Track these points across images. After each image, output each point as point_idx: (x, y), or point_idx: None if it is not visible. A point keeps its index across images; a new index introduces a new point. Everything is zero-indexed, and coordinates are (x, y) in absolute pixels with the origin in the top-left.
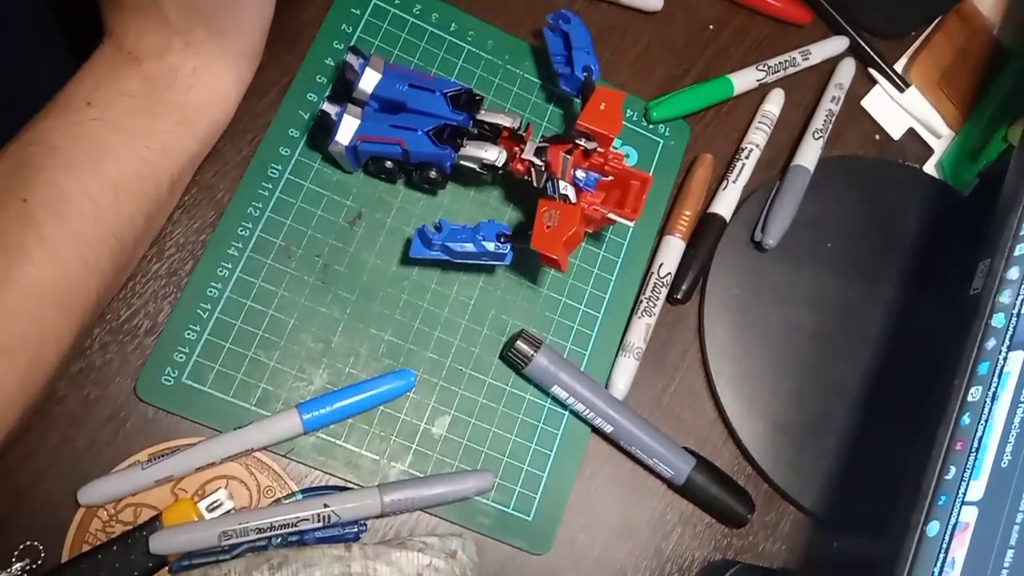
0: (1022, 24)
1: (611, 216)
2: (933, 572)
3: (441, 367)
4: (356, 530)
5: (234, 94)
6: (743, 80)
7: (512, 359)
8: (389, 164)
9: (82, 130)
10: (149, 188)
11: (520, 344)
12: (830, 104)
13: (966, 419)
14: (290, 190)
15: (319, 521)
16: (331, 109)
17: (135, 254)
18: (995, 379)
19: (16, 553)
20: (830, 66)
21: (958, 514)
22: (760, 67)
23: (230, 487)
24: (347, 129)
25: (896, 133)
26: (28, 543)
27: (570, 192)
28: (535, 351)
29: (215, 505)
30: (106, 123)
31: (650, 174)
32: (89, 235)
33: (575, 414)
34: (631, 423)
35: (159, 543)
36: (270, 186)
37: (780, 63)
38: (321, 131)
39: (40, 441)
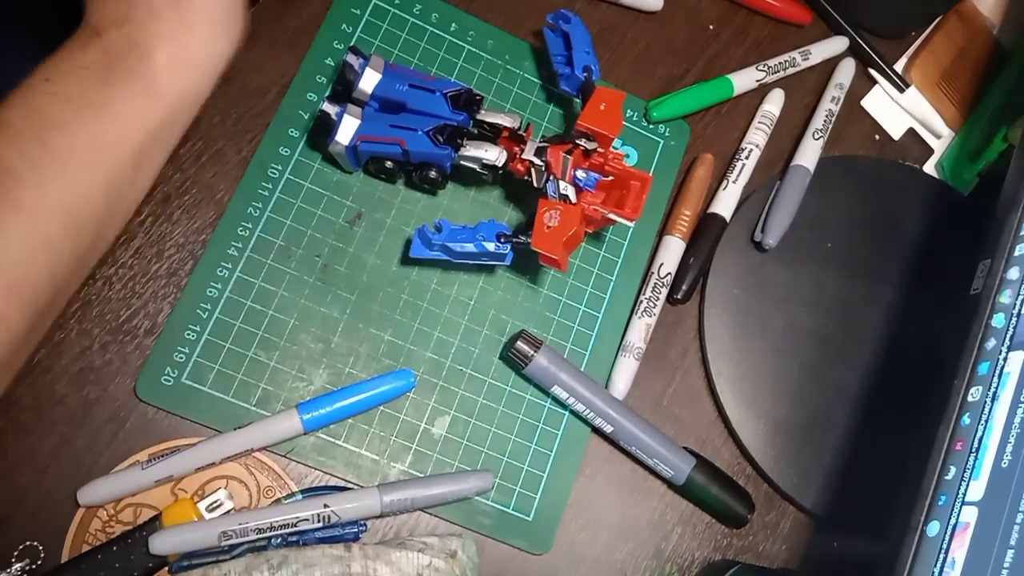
0: (1022, 24)
1: (611, 216)
2: (933, 572)
3: (441, 367)
4: (356, 530)
5: (205, 63)
6: (743, 80)
7: (512, 359)
8: (389, 164)
9: (32, 103)
10: (104, 159)
11: (520, 344)
12: (830, 104)
13: (966, 419)
14: (290, 190)
15: (319, 521)
16: (331, 109)
17: (99, 233)
18: (995, 379)
19: (16, 553)
20: (830, 66)
21: (958, 514)
22: (760, 67)
23: (230, 487)
24: (347, 129)
25: (896, 133)
26: (28, 543)
27: (570, 192)
28: (535, 351)
29: (215, 505)
30: (57, 95)
31: (650, 174)
32: (32, 206)
33: (575, 414)
34: (631, 423)
35: (159, 543)
36: (270, 186)
37: (780, 63)
38: (321, 131)
39: (40, 441)
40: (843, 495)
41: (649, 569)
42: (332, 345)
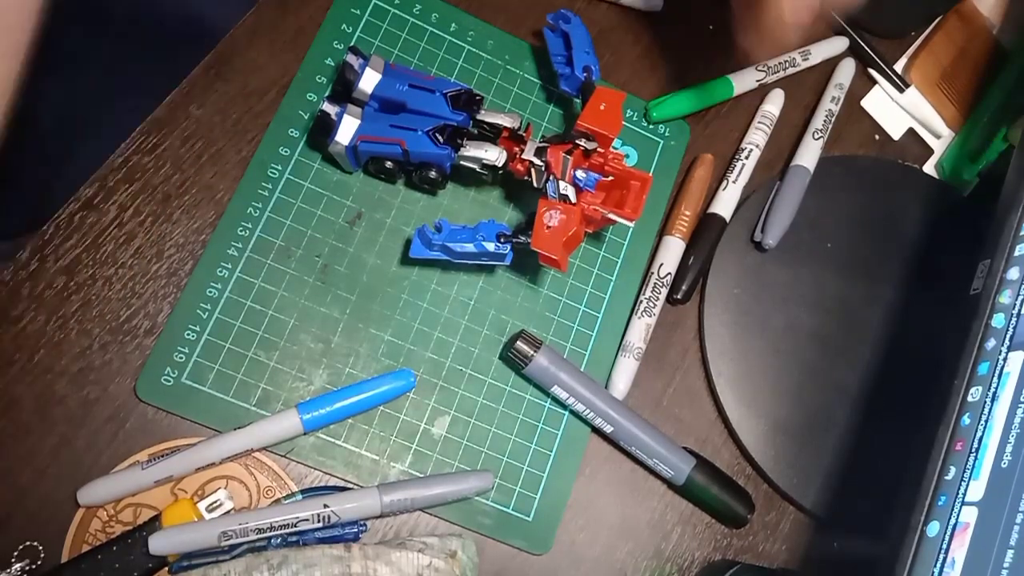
0: (1022, 24)
1: (611, 216)
2: (933, 572)
3: (441, 367)
4: (356, 530)
5: None
6: (743, 80)
7: (512, 359)
8: (389, 164)
9: None
10: None
11: (520, 344)
12: (830, 104)
13: (966, 419)
14: (290, 190)
15: (319, 521)
16: (331, 109)
17: None
18: (995, 379)
19: (16, 553)
20: (830, 66)
21: (958, 514)
22: (760, 67)
23: (230, 487)
24: (347, 129)
25: (896, 133)
26: (28, 543)
27: (570, 192)
28: (535, 351)
29: (215, 505)
30: None
31: (650, 174)
32: None
33: (575, 414)
34: (631, 423)
35: (158, 543)
36: (270, 186)
37: (780, 63)
38: (321, 131)
39: (40, 441)
40: (843, 495)
41: (649, 569)
42: (332, 345)
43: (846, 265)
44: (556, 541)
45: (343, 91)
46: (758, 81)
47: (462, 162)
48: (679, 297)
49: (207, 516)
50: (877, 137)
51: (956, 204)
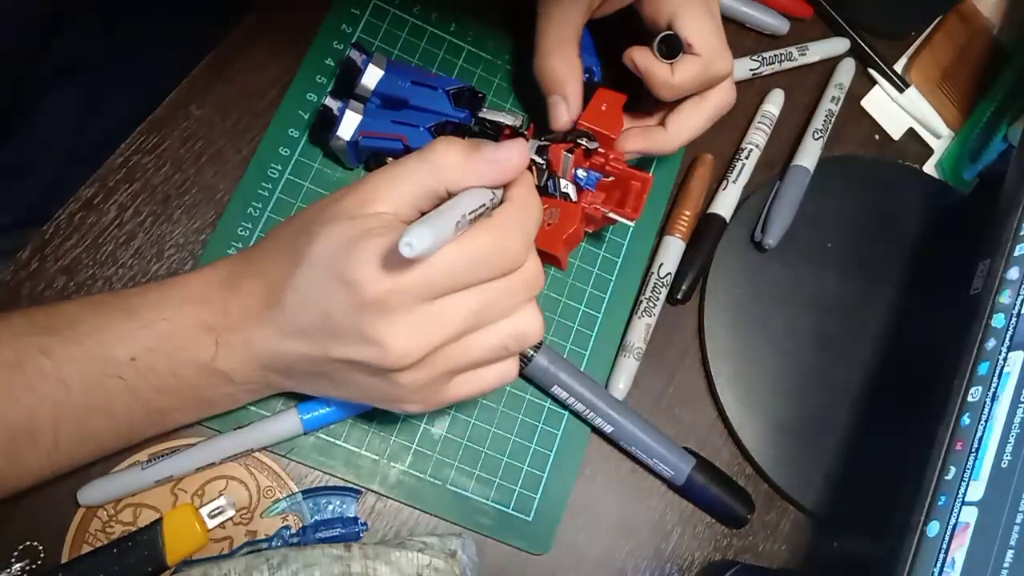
0: (1022, 24)
1: (611, 216)
2: (933, 572)
3: None
4: (356, 530)
5: None
6: (736, 69)
7: None
8: (390, 160)
9: None
10: None
11: None
12: (830, 104)
13: (966, 419)
14: (290, 190)
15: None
16: (333, 104)
17: None
18: (995, 379)
19: (16, 553)
20: (830, 66)
21: (958, 514)
22: (754, 57)
23: (230, 487)
24: (349, 124)
25: (896, 133)
26: (28, 543)
27: (571, 190)
28: (535, 351)
29: (217, 512)
30: None
31: (650, 174)
32: None
33: (575, 414)
34: (631, 423)
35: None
36: (270, 186)
37: (775, 55)
38: (323, 126)
39: None
40: (843, 495)
41: (649, 569)
42: None
43: (846, 265)
44: (556, 541)
45: (345, 87)
46: (752, 71)
47: None
48: (679, 297)
49: (210, 523)
50: (877, 137)
51: (956, 204)
